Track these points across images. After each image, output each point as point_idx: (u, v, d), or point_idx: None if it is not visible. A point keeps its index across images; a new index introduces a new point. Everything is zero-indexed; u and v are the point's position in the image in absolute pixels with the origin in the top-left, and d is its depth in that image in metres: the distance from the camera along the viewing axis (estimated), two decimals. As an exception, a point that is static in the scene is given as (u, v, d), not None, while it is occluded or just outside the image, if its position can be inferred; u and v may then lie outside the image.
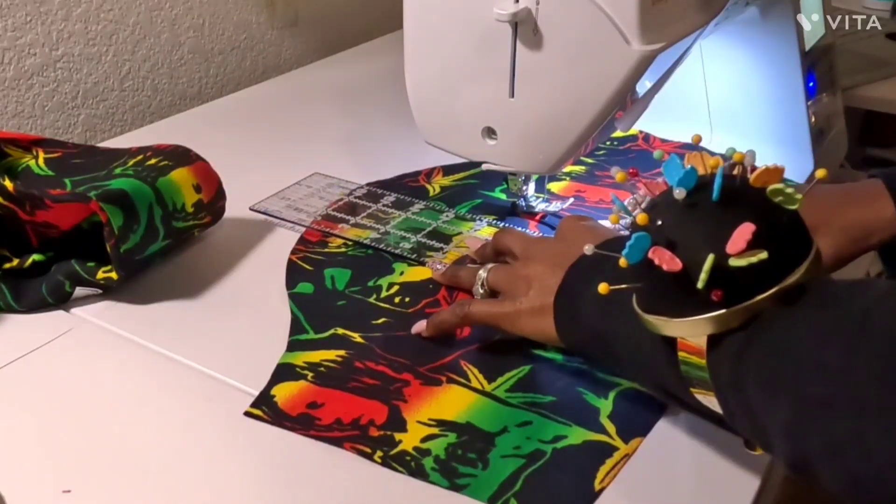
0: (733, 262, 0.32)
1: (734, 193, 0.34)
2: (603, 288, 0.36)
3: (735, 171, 0.35)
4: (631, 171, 0.37)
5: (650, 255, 0.34)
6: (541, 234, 0.56)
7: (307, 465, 0.42)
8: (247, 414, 0.45)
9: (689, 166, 0.35)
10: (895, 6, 1.19)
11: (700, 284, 0.32)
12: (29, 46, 0.83)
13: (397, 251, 0.61)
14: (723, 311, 0.33)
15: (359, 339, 0.52)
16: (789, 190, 0.33)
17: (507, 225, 0.65)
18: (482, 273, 0.53)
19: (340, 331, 0.52)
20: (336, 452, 0.43)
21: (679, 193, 0.34)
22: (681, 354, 0.36)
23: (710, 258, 0.32)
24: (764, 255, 0.32)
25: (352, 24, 1.25)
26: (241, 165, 0.77)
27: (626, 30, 0.50)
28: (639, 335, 0.38)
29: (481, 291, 0.53)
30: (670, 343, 0.36)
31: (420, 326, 0.52)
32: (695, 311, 0.34)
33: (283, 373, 0.48)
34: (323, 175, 0.74)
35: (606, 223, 0.64)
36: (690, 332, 0.34)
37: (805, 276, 0.33)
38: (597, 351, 0.44)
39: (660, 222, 0.35)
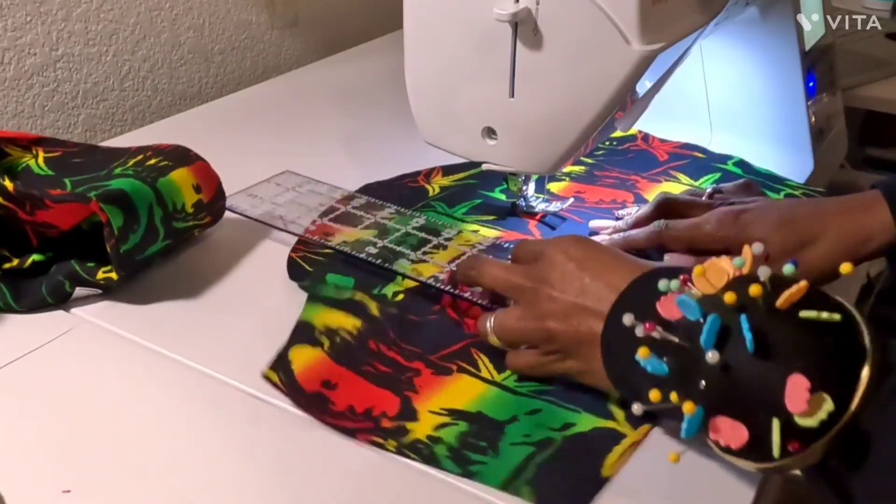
0: (802, 422, 0.31)
1: (766, 336, 0.33)
2: (673, 458, 0.36)
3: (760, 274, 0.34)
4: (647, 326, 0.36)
5: (711, 437, 0.34)
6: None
7: (310, 466, 0.42)
8: (264, 377, 0.47)
9: (711, 317, 0.33)
10: (895, 6, 1.19)
11: (776, 454, 0.32)
12: (29, 46, 0.83)
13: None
14: (805, 452, 0.32)
15: (375, 312, 0.53)
16: (824, 315, 0.32)
17: (507, 226, 0.65)
18: (489, 324, 0.49)
19: (359, 296, 0.54)
20: (341, 449, 0.43)
21: (713, 357, 0.33)
22: None
23: (777, 427, 0.31)
24: (830, 406, 0.31)
25: (352, 24, 1.24)
26: (240, 165, 0.76)
27: (626, 30, 0.50)
28: None
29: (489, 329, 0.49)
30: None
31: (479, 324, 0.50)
32: (775, 458, 0.33)
33: (302, 333, 0.50)
34: (293, 173, 0.73)
35: (604, 222, 0.64)
36: (776, 469, 0.34)
37: (872, 372, 0.32)
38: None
39: (703, 383, 0.34)
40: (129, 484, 0.41)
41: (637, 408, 0.36)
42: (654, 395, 0.35)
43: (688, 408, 0.34)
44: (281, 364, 0.48)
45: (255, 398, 0.47)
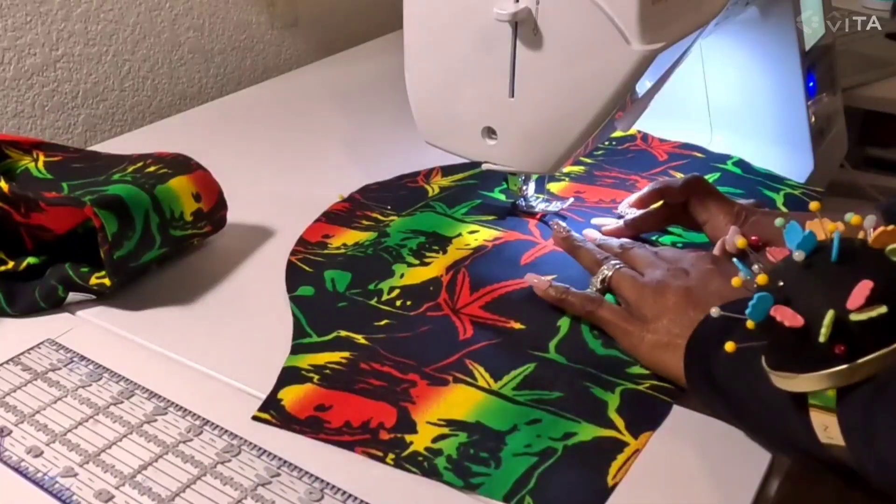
0: (853, 317, 0.34)
1: (852, 254, 0.36)
2: (729, 346, 0.38)
3: (860, 235, 0.37)
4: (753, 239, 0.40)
5: (772, 313, 0.36)
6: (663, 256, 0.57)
7: (315, 468, 0.42)
8: (254, 418, 0.45)
9: (809, 231, 0.37)
10: (895, 6, 1.19)
11: (822, 339, 0.34)
12: (29, 46, 0.83)
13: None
14: (846, 366, 0.34)
15: (362, 341, 0.51)
16: None
17: (507, 226, 0.65)
18: (606, 270, 0.54)
19: (343, 333, 0.52)
20: (345, 454, 0.43)
21: (798, 255, 0.36)
22: (812, 408, 0.37)
23: (831, 314, 0.34)
24: (883, 309, 0.33)
25: (352, 24, 1.25)
26: (240, 166, 0.77)
27: (626, 30, 0.50)
28: (768, 393, 0.39)
29: (598, 286, 0.54)
30: (800, 398, 0.37)
31: (539, 283, 0.54)
32: (819, 367, 0.35)
33: (289, 376, 0.48)
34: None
35: (605, 220, 0.64)
36: (816, 387, 0.36)
37: None
38: (725, 407, 0.44)
39: (781, 283, 0.37)
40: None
41: (715, 311, 0.39)
42: (736, 281, 0.39)
43: (761, 279, 0.37)
44: (271, 405, 0.46)
45: (256, 398, 0.47)
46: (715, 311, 0.39)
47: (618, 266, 0.54)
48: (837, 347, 0.34)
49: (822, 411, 0.36)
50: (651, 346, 0.48)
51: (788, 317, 0.35)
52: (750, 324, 0.37)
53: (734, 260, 0.40)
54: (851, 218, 0.36)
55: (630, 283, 0.52)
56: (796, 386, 0.36)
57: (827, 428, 0.36)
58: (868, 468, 0.35)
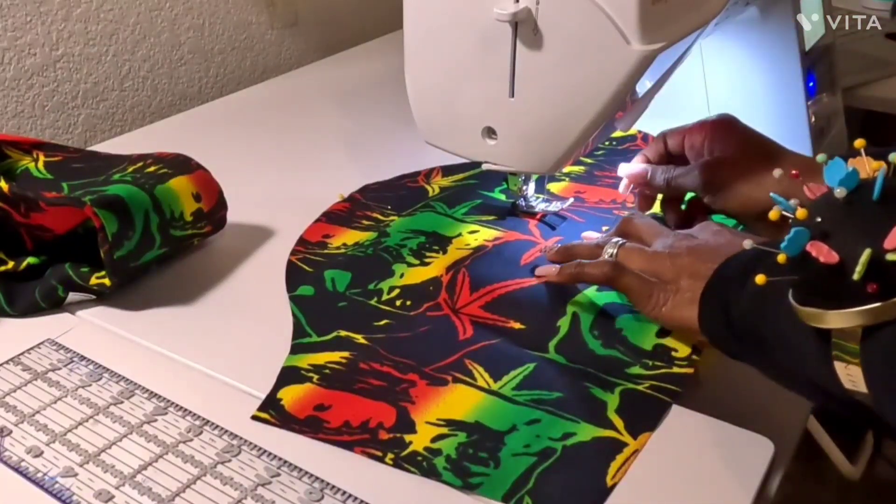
0: (890, 256, 0.33)
1: (895, 193, 0.35)
2: (760, 279, 0.37)
3: None
4: (793, 173, 0.39)
5: (808, 248, 0.35)
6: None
7: (314, 468, 0.42)
8: (254, 418, 0.45)
9: (852, 168, 0.36)
10: (895, 6, 1.19)
11: (856, 276, 0.33)
12: (29, 46, 0.83)
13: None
14: (878, 304, 0.34)
15: (362, 341, 0.52)
16: None
17: (507, 226, 0.65)
18: (610, 249, 0.53)
19: (343, 333, 0.52)
20: (345, 454, 0.43)
21: (840, 192, 0.36)
22: (835, 347, 0.36)
23: (867, 252, 0.33)
24: None
25: (352, 24, 1.25)
26: (240, 166, 0.77)
27: (626, 30, 0.50)
28: (793, 329, 0.38)
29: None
30: (825, 336, 0.37)
31: (548, 270, 0.53)
32: (850, 304, 0.35)
33: (288, 376, 0.48)
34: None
35: (594, 234, 0.64)
36: (845, 324, 0.35)
37: None
38: (745, 346, 0.44)
39: (819, 219, 0.36)
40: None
41: (748, 242, 0.39)
42: (774, 214, 0.38)
43: (801, 213, 0.36)
44: (271, 405, 0.46)
45: (255, 398, 0.47)
46: (748, 243, 0.39)
47: (621, 243, 0.53)
48: (870, 286, 0.33)
49: (845, 359, 0.36)
50: (673, 306, 0.48)
51: (824, 253, 0.34)
52: (782, 257, 0.36)
53: (771, 194, 0.39)
54: None
55: (640, 254, 0.52)
56: (825, 322, 0.36)
57: (850, 374, 0.36)
58: (887, 408, 0.35)
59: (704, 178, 0.58)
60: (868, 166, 0.37)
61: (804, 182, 0.38)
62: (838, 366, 0.36)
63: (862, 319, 0.34)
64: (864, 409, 0.37)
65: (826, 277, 0.35)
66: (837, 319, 0.35)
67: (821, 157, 0.38)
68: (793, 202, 0.38)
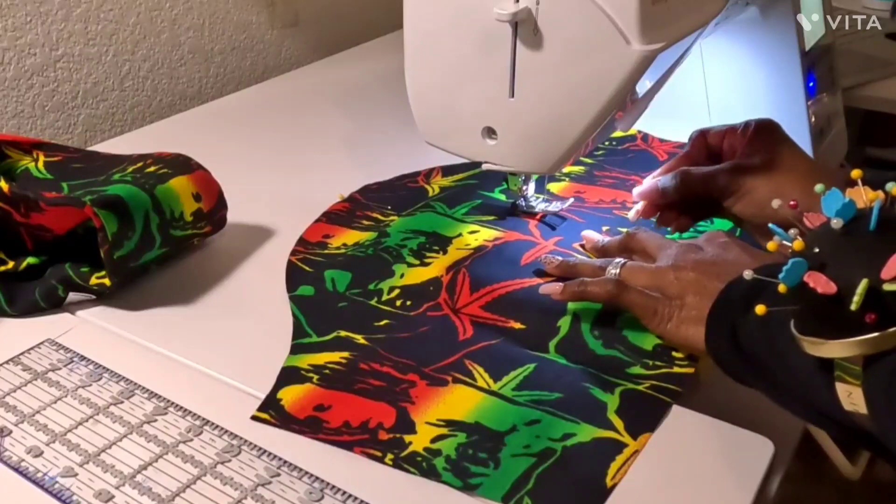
0: (887, 287, 0.33)
1: (891, 224, 0.35)
2: (760, 309, 0.38)
3: None
4: (791, 203, 0.39)
5: (806, 279, 0.35)
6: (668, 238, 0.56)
7: (314, 468, 0.42)
8: (254, 418, 0.45)
9: (849, 199, 0.37)
10: (895, 6, 1.19)
11: (854, 307, 0.34)
12: (29, 46, 0.83)
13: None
14: (876, 333, 0.34)
15: (362, 341, 0.51)
16: None
17: (507, 226, 0.65)
18: (612, 269, 0.53)
19: (343, 333, 0.52)
20: (345, 454, 0.43)
21: (836, 223, 0.36)
22: (837, 368, 0.37)
23: (865, 282, 0.34)
24: None
25: (352, 24, 1.25)
26: (240, 166, 0.77)
27: (626, 30, 0.50)
28: (796, 358, 0.39)
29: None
30: (827, 365, 0.37)
31: (552, 288, 0.53)
32: (849, 334, 0.35)
33: (288, 376, 0.48)
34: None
35: (593, 234, 0.64)
36: (845, 353, 0.36)
37: None
38: (749, 371, 0.44)
39: (816, 249, 0.36)
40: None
41: (748, 273, 0.39)
42: (772, 245, 0.38)
43: (797, 245, 0.37)
44: (271, 405, 0.46)
45: (255, 398, 0.47)
46: (748, 274, 0.39)
47: (623, 263, 0.53)
48: (868, 316, 0.34)
49: (847, 380, 0.36)
50: (679, 323, 0.48)
51: (822, 283, 0.35)
52: (782, 288, 0.37)
53: (770, 225, 0.39)
54: (893, 188, 0.36)
55: (643, 272, 0.52)
56: (825, 352, 0.36)
57: (851, 394, 0.36)
58: (890, 435, 0.35)
59: (734, 180, 0.57)
60: (865, 196, 0.37)
61: (803, 212, 0.39)
62: (839, 387, 0.36)
63: (861, 349, 0.35)
64: (864, 433, 0.37)
65: (825, 307, 0.36)
66: (838, 349, 0.36)
67: (819, 188, 0.38)
68: (791, 232, 0.38)
